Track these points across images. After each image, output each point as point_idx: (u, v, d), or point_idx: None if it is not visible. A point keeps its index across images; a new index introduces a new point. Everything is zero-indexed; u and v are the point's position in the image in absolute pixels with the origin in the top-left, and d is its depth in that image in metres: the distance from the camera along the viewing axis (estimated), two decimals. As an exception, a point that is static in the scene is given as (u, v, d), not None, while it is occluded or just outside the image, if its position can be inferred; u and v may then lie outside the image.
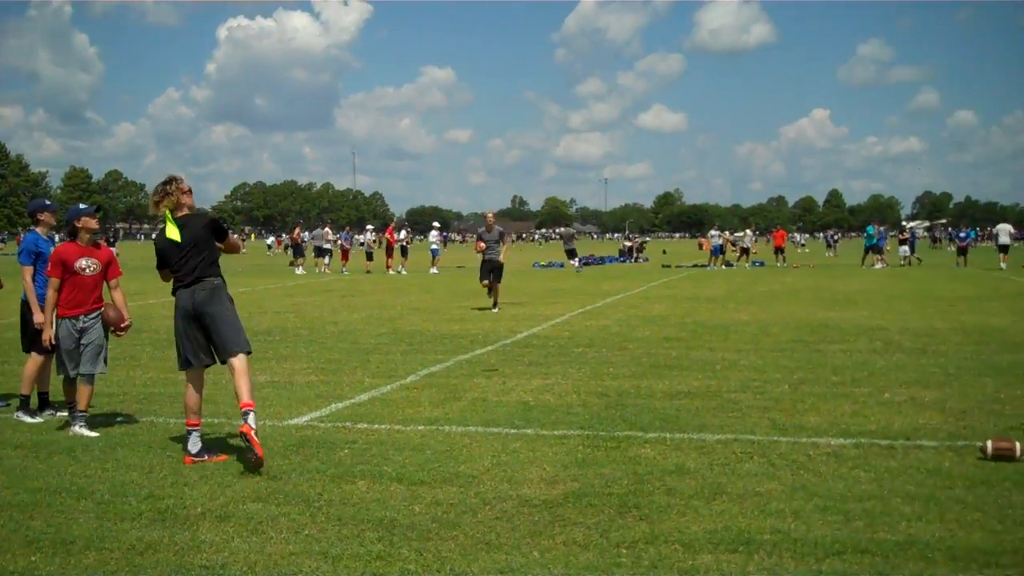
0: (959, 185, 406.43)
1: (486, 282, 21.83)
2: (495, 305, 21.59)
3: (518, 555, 5.57)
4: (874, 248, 46.93)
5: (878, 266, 44.56)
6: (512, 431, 8.89)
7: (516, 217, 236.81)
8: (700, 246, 76.65)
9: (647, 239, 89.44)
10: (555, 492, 6.86)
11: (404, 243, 45.10)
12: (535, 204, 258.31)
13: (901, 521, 6.16)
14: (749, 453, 7.99)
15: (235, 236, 9.48)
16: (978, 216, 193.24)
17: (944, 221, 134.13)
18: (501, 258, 21.73)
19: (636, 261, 58.33)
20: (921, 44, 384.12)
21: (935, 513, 6.32)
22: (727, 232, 56.31)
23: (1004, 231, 46.77)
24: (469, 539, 5.86)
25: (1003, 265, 41.79)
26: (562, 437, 8.61)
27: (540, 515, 6.33)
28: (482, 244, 21.92)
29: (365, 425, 9.20)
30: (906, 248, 48.94)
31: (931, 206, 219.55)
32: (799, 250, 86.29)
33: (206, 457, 7.86)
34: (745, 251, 49.82)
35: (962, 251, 46.98)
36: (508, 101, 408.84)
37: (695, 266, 48.18)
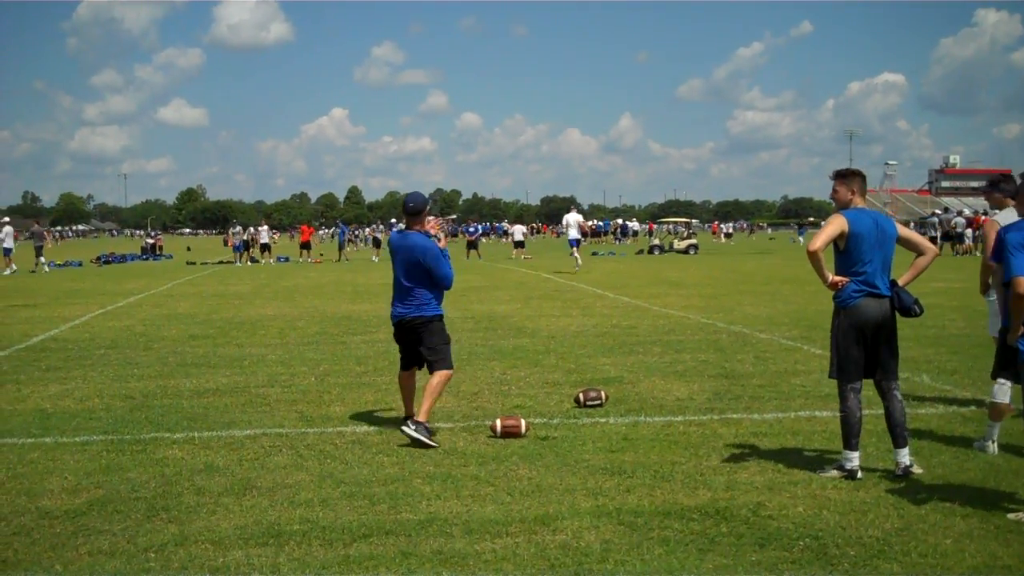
0: (467, 183, 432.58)
1: None
2: None
3: (39, 570, 5.34)
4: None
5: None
6: (29, 440, 8.43)
7: (28, 214, 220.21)
8: (225, 243, 75.62)
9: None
10: (78, 501, 6.62)
11: None
12: (49, 200, 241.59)
13: (422, 500, 6.57)
14: (278, 446, 8.14)
15: None
16: (484, 211, 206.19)
17: (454, 216, 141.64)
18: None
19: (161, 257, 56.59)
20: (430, 49, 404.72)
21: (452, 490, 6.80)
22: (252, 228, 56.11)
23: (518, 231, 52.35)
24: (-17, 559, 5.53)
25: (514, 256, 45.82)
26: (84, 443, 8.28)
27: (62, 526, 6.10)
28: None
29: None
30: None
31: (443, 202, 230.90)
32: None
33: None
34: (266, 247, 49.64)
35: (472, 244, 50.22)
36: (14, 90, 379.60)
37: (221, 263, 47.51)
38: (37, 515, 6.33)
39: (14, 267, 39.28)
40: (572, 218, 36.58)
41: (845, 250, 7.06)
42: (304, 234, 52.00)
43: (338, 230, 58.41)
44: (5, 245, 41.23)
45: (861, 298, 7.01)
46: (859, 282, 7.02)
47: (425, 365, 8.62)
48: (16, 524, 6.15)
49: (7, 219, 46.81)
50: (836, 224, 7.06)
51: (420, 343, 8.51)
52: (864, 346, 7.09)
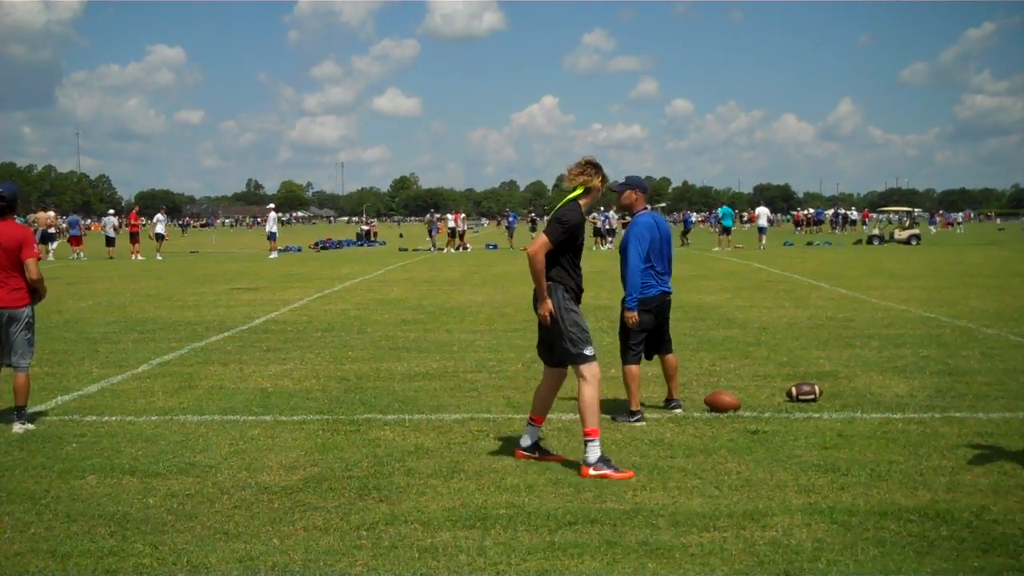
0: (677, 170, 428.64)
1: None
2: None
3: (257, 543, 5.54)
4: (726, 230, 46.13)
5: (734, 247, 44.47)
6: (250, 418, 8.79)
7: (252, 201, 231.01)
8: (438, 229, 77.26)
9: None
10: (295, 478, 6.85)
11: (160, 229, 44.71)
12: (271, 188, 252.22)
13: (628, 490, 6.50)
14: (485, 431, 8.22)
15: None
16: (694, 199, 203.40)
17: (663, 205, 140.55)
18: None
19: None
20: (641, 35, 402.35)
21: (658, 481, 6.70)
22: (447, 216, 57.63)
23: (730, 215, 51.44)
24: (206, 529, 5.78)
25: (733, 245, 45.00)
26: (301, 422, 8.58)
27: (280, 502, 6.32)
28: None
29: (95, 417, 8.87)
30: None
31: (652, 190, 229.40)
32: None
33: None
34: (460, 234, 50.16)
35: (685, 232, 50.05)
36: (241, 82, 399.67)
37: (431, 250, 48.59)
38: (257, 490, 6.59)
39: (275, 253, 41.60)
40: (762, 210, 48.94)
41: None
42: None
43: (507, 219, 59.14)
44: (270, 230, 43.60)
45: None
46: None
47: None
48: (237, 498, 6.41)
49: (272, 205, 49.34)
50: None
51: (665, 321, 9.36)
52: None
